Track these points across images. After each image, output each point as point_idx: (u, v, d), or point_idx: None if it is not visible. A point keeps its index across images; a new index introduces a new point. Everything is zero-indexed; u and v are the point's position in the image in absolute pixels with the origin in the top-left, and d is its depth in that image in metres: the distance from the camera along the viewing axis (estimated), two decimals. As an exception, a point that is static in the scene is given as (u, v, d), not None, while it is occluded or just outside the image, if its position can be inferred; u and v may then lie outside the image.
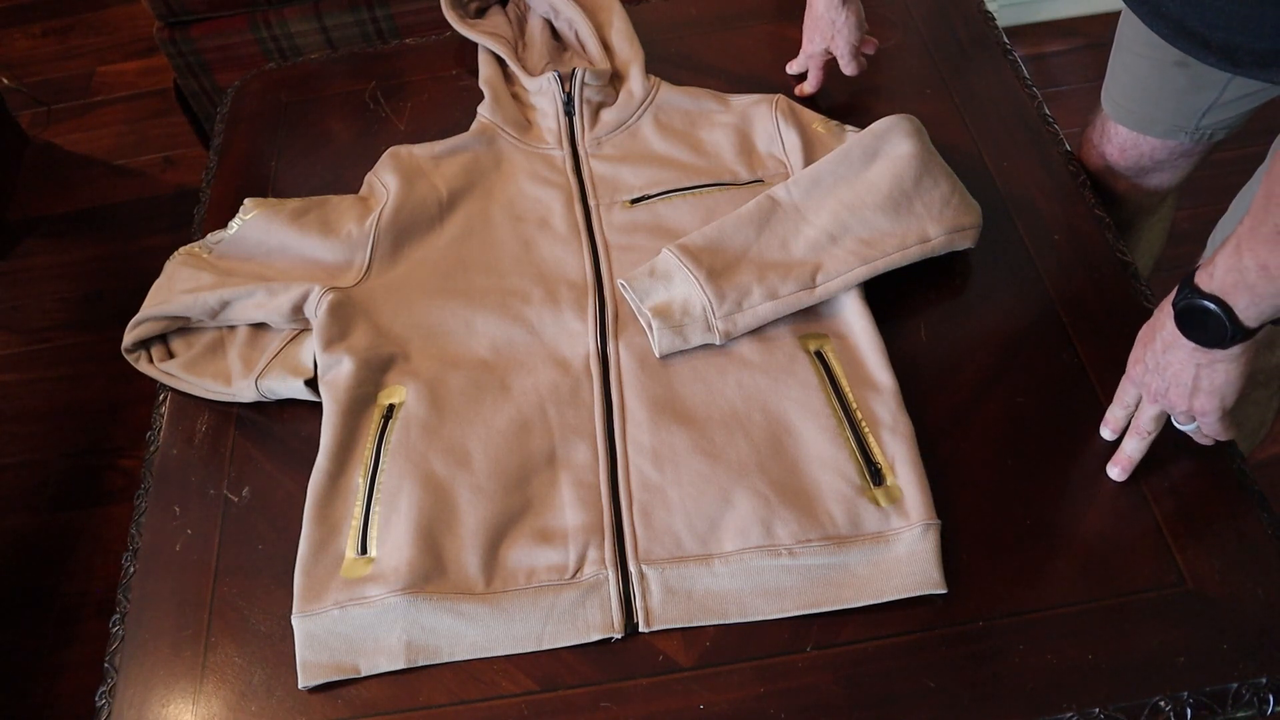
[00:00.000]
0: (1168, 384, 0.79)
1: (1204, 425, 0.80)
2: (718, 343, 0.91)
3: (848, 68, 1.12)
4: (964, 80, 1.17)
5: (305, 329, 0.98)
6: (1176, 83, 1.01)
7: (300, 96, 1.29)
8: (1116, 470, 0.84)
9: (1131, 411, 0.84)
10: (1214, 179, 1.30)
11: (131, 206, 2.24)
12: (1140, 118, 1.07)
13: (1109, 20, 1.12)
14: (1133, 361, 0.82)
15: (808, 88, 1.17)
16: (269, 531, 0.89)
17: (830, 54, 1.12)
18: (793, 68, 1.19)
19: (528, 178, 1.09)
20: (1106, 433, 0.86)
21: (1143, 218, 1.20)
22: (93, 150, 2.38)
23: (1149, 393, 0.81)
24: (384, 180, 1.08)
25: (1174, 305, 0.75)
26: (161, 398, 1.00)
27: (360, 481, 0.87)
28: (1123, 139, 1.10)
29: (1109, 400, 0.87)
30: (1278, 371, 1.00)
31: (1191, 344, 0.76)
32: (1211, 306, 0.72)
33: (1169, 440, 0.83)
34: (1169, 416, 0.82)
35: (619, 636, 0.79)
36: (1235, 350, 0.75)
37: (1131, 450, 0.83)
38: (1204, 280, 0.73)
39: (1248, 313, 0.72)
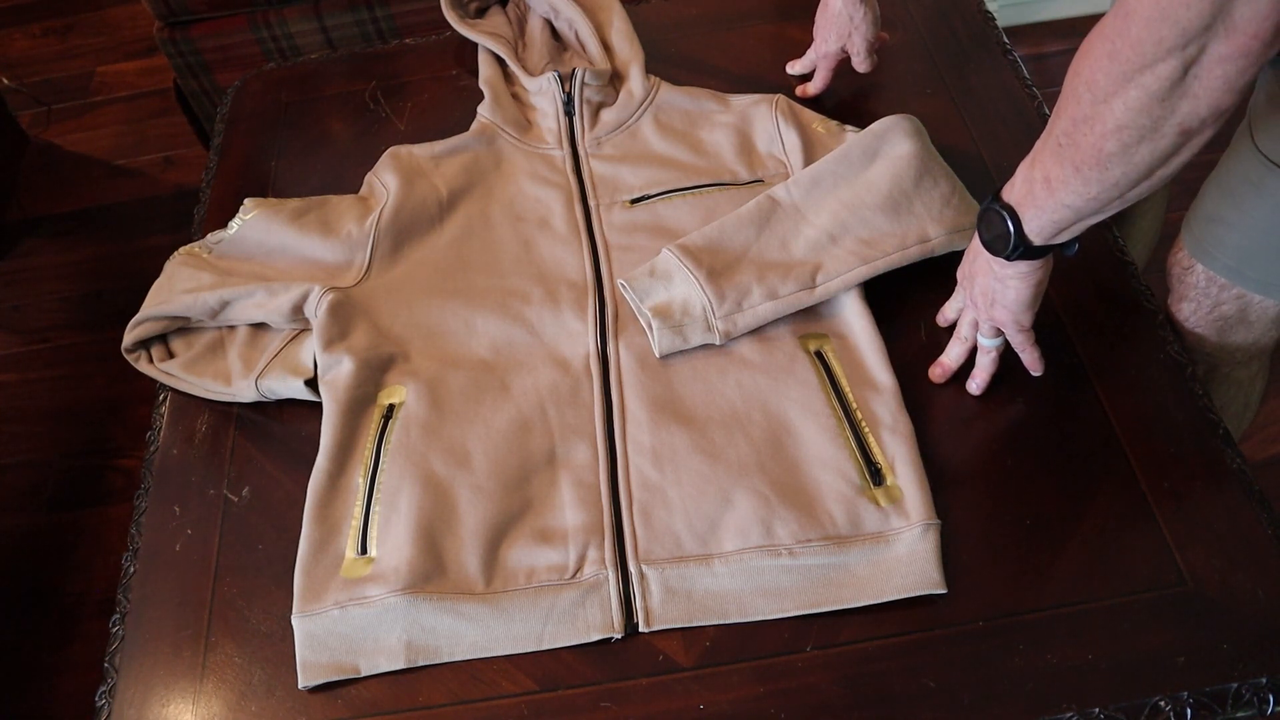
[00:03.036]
0: (977, 290, 0.83)
1: (1009, 338, 0.85)
2: (718, 343, 0.91)
3: (862, 65, 1.12)
4: (964, 80, 1.17)
5: (305, 329, 0.98)
6: None
7: (300, 96, 1.29)
8: (936, 371, 0.89)
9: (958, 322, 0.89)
10: (1204, 172, 1.29)
11: (131, 206, 2.24)
12: None
13: (1109, 20, 1.12)
14: (962, 263, 0.87)
15: (813, 89, 1.16)
16: (269, 531, 0.89)
17: (844, 53, 1.12)
18: (794, 68, 1.19)
19: (528, 178, 1.09)
20: (940, 319, 0.92)
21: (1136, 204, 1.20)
22: (93, 150, 2.38)
23: (968, 296, 0.85)
24: (384, 180, 1.08)
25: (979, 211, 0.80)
26: (161, 398, 1.00)
27: (360, 481, 0.87)
28: None
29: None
30: (1256, 350, 1.00)
31: (988, 253, 0.80)
32: (1002, 214, 0.76)
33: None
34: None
35: (619, 636, 0.79)
36: (1023, 268, 0.79)
37: (952, 355, 0.89)
38: (1007, 191, 0.77)
39: (1032, 225, 0.75)
